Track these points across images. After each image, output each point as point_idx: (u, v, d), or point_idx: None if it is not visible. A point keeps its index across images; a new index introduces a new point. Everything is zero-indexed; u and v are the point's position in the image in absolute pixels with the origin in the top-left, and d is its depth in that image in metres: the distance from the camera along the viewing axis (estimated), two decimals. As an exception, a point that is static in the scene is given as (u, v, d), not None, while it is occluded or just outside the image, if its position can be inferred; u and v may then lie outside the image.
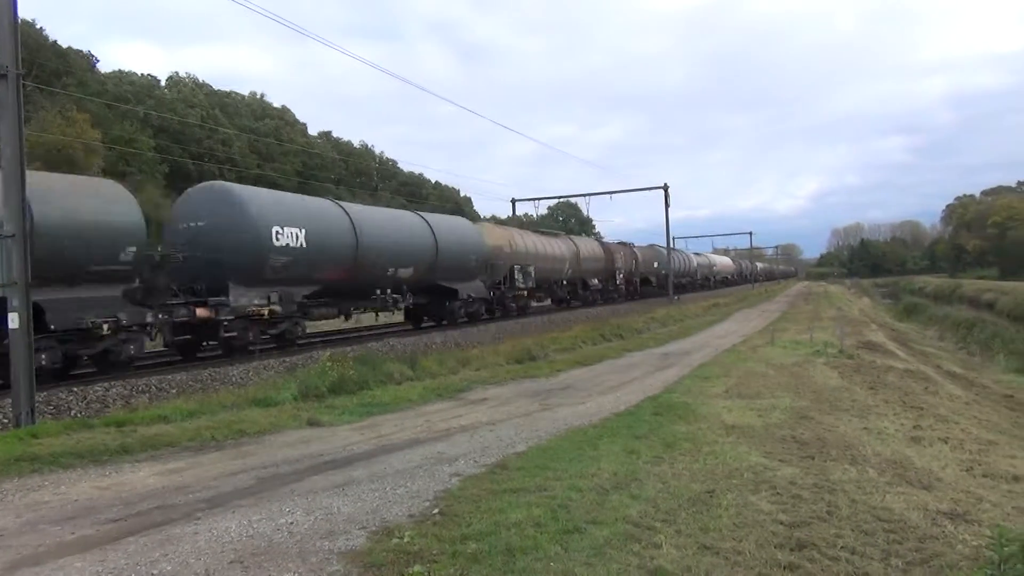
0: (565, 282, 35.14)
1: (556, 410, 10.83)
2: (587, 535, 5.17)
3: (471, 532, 5.20)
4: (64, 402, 11.07)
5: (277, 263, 16.29)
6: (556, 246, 34.08)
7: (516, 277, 28.49)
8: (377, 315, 23.65)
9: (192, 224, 15.82)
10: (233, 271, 15.59)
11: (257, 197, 17.01)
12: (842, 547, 5.11)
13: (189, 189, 17.80)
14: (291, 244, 16.55)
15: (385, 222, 21.20)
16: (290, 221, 16.72)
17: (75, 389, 11.51)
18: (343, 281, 18.93)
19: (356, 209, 20.43)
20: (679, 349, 20.64)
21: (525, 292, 29.61)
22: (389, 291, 20.94)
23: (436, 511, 5.79)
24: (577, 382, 14.13)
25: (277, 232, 16.20)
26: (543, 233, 35.26)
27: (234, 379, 13.74)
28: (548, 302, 35.07)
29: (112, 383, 12.15)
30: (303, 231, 16.91)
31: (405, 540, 5.06)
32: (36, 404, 9.77)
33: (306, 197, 20.67)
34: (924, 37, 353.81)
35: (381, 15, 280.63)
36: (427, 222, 23.24)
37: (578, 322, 28.49)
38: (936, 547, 5.21)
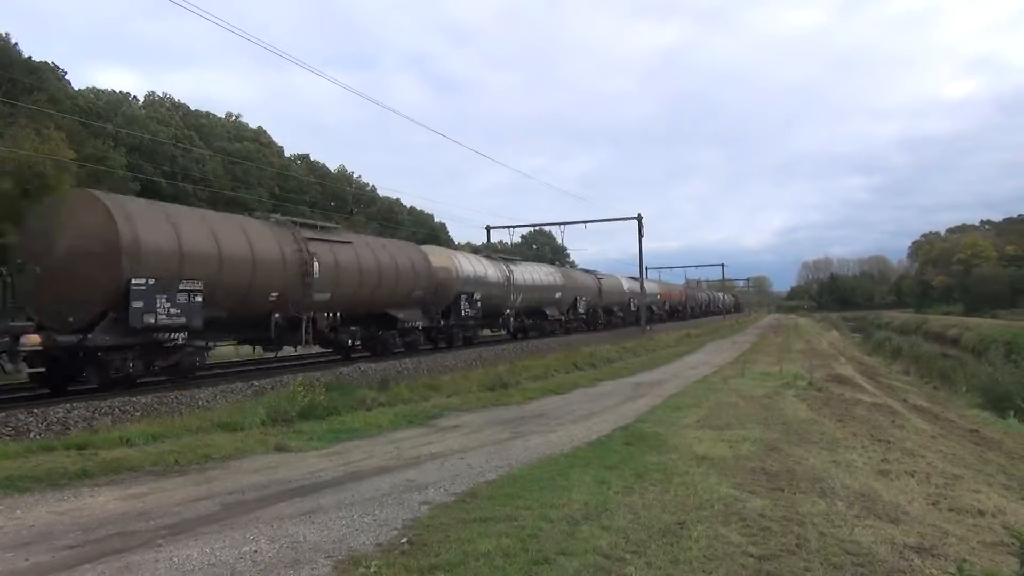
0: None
1: (528, 438, 10.77)
2: (557, 566, 5.11)
3: (440, 562, 5.12)
4: (23, 423, 10.76)
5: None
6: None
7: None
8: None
9: None
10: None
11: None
12: (811, 580, 5.12)
13: None
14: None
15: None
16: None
17: (35, 410, 11.20)
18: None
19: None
20: (651, 379, 20.71)
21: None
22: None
23: (404, 540, 5.70)
24: (549, 410, 14.09)
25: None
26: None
27: (201, 402, 13.48)
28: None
29: (74, 404, 11.85)
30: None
31: (372, 570, 4.97)
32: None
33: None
34: (878, 84, 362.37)
35: (357, 47, 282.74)
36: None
37: (551, 351, 28.48)
38: (903, 581, 5.23)
